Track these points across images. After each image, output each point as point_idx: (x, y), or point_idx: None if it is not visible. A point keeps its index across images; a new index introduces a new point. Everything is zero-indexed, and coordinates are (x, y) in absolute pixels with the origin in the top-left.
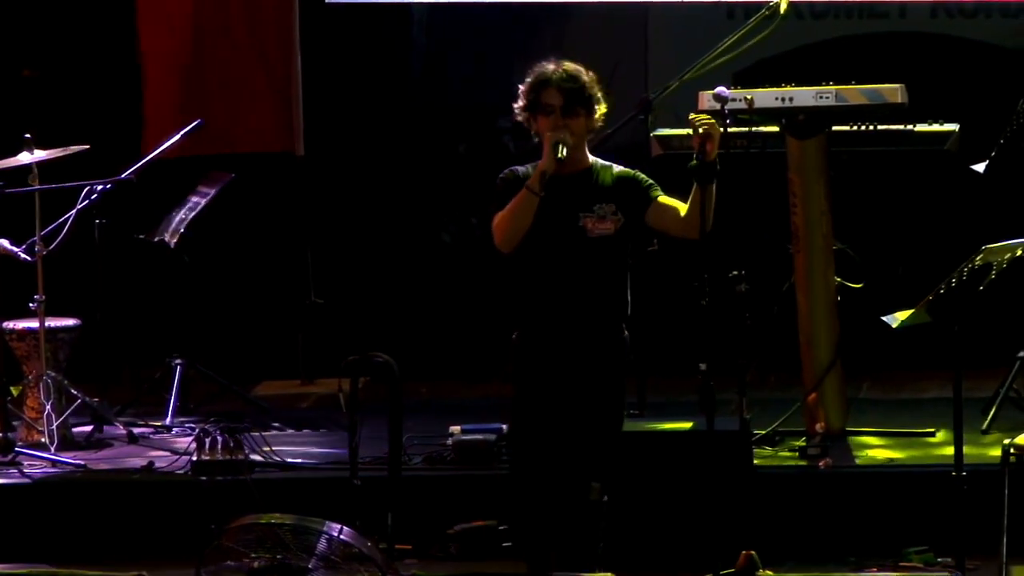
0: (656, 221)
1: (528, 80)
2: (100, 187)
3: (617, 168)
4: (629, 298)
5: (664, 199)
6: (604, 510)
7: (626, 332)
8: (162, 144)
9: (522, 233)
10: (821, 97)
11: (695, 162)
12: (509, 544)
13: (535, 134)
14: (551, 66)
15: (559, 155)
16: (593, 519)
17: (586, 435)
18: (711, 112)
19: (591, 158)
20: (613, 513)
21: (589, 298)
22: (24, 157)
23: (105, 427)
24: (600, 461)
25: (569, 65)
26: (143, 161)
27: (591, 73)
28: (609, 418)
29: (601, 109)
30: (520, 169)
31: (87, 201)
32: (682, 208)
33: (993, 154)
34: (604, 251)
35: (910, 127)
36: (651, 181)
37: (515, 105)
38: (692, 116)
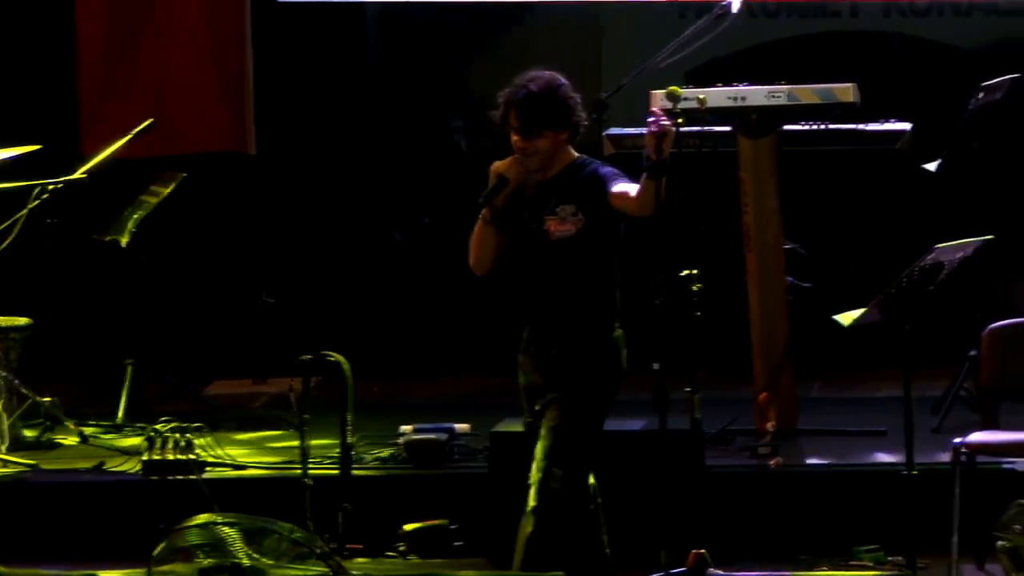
0: (618, 205)
1: (506, 89)
2: (52, 186)
3: (592, 167)
4: (608, 297)
5: (620, 186)
6: (571, 504)
7: (618, 331)
8: (113, 143)
9: (489, 259)
10: (773, 96)
11: (645, 160)
12: (460, 543)
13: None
14: (521, 83)
15: (496, 195)
16: (554, 509)
17: (558, 425)
18: (663, 111)
19: (575, 157)
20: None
21: (560, 300)
22: None
23: (56, 427)
24: (566, 451)
25: (538, 83)
26: (95, 160)
27: (564, 88)
28: (582, 411)
29: (576, 118)
30: (500, 165)
31: (38, 200)
32: (633, 189)
33: (945, 153)
34: (568, 253)
35: (862, 126)
36: (612, 172)
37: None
38: (654, 119)
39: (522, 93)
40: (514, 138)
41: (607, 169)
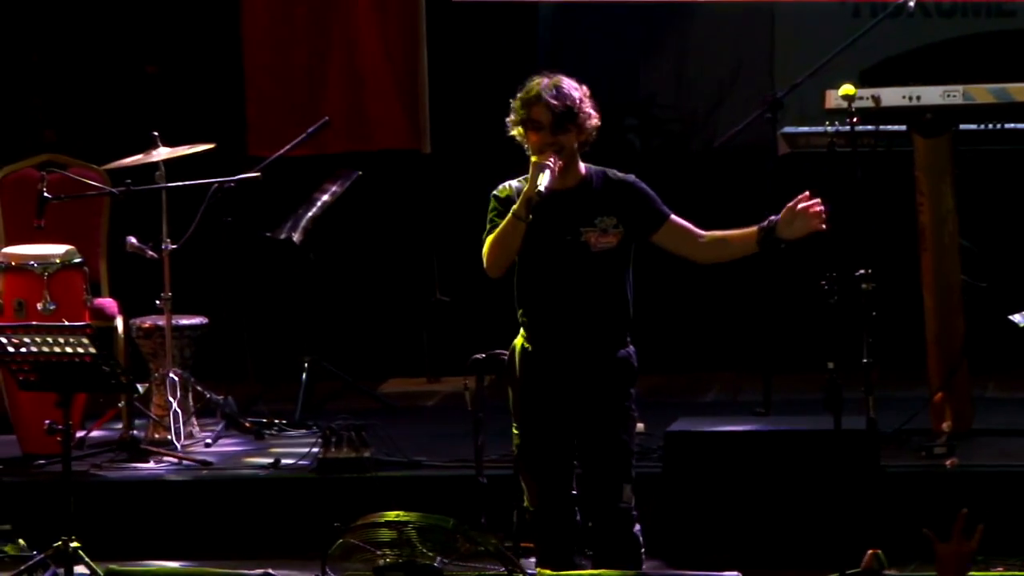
0: (666, 241)
1: (518, 95)
2: (227, 184)
3: (613, 176)
4: (630, 308)
5: (679, 220)
6: (635, 514)
7: (630, 342)
8: (286, 142)
9: (510, 259)
10: (948, 96)
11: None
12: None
13: (527, 148)
14: (541, 81)
15: (540, 186)
16: (628, 523)
17: (603, 445)
18: (838, 111)
19: (584, 168)
20: (727, 512)
21: (595, 312)
22: (155, 154)
23: (231, 424)
24: (623, 468)
25: (560, 79)
26: (270, 159)
27: (583, 87)
28: (622, 427)
29: (594, 123)
30: (514, 184)
31: (214, 198)
32: (698, 234)
33: None
34: (608, 264)
35: None
36: (655, 196)
37: (508, 119)
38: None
39: (551, 87)
40: (534, 136)
41: (644, 185)
